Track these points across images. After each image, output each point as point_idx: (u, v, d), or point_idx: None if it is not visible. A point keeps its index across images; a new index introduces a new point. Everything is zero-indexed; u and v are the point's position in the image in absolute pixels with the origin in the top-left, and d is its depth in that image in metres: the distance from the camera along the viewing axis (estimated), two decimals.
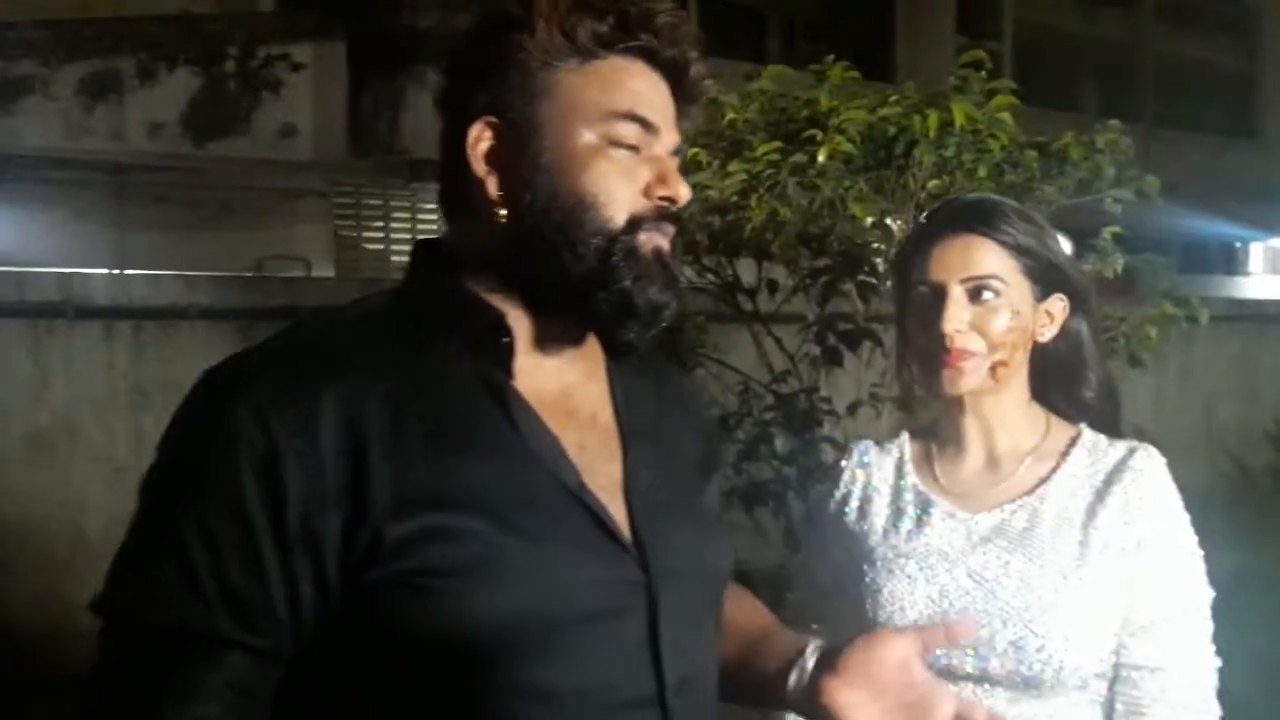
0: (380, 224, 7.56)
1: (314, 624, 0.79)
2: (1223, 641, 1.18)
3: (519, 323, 0.88)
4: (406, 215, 7.59)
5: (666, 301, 0.88)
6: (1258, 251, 12.49)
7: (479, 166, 0.86)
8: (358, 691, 0.80)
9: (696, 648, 0.90)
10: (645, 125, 0.87)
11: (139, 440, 4.00)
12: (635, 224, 0.86)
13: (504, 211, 0.86)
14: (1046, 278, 1.20)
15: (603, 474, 0.88)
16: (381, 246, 7.55)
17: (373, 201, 7.46)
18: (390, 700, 0.80)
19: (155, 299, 4.10)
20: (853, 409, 2.32)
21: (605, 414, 0.93)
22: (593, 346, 0.93)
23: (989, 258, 1.17)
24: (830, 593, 1.28)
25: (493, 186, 0.86)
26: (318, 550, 0.78)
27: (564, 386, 0.90)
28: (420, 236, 6.81)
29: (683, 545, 0.90)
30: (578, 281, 0.85)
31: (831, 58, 2.35)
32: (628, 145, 0.86)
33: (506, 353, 0.86)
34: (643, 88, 0.87)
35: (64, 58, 5.63)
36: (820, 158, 2.08)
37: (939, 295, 1.17)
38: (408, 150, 6.05)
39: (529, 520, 0.81)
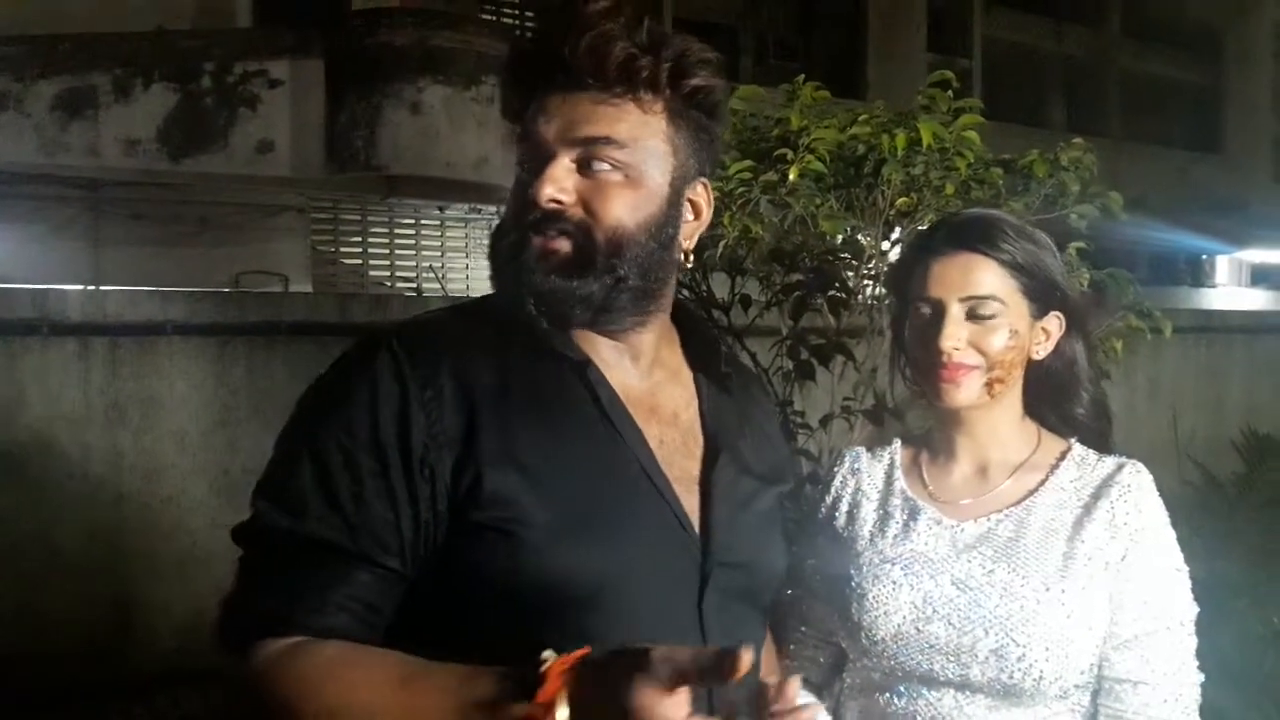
0: (358, 239, 7.55)
1: (425, 553, 0.90)
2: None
3: (597, 325, 1.00)
4: (384, 230, 7.59)
5: (559, 287, 0.97)
6: (1223, 264, 12.68)
7: None
8: (444, 619, 0.90)
9: (742, 633, 0.99)
10: (534, 142, 0.98)
11: (115, 457, 3.98)
12: (522, 229, 0.98)
13: None
14: (1044, 296, 1.21)
15: (679, 467, 0.97)
16: (359, 261, 7.55)
17: (350, 217, 7.46)
18: (466, 630, 0.90)
19: (131, 315, 4.09)
20: (825, 422, 2.34)
21: (688, 415, 1.03)
22: (676, 356, 1.06)
23: (988, 276, 1.18)
24: (819, 596, 1.29)
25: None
26: (434, 485, 0.89)
27: (650, 386, 1.01)
28: (398, 253, 6.80)
29: (743, 543, 0.99)
30: (504, 286, 1.00)
31: (802, 77, 2.38)
32: (525, 163, 0.99)
33: (571, 350, 0.98)
34: (539, 109, 0.97)
35: (39, 73, 5.61)
36: (791, 176, 2.11)
37: (938, 312, 1.19)
38: (385, 166, 6.05)
39: (605, 489, 0.92)
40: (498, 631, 0.88)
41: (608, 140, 0.96)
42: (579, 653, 0.75)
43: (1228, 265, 12.87)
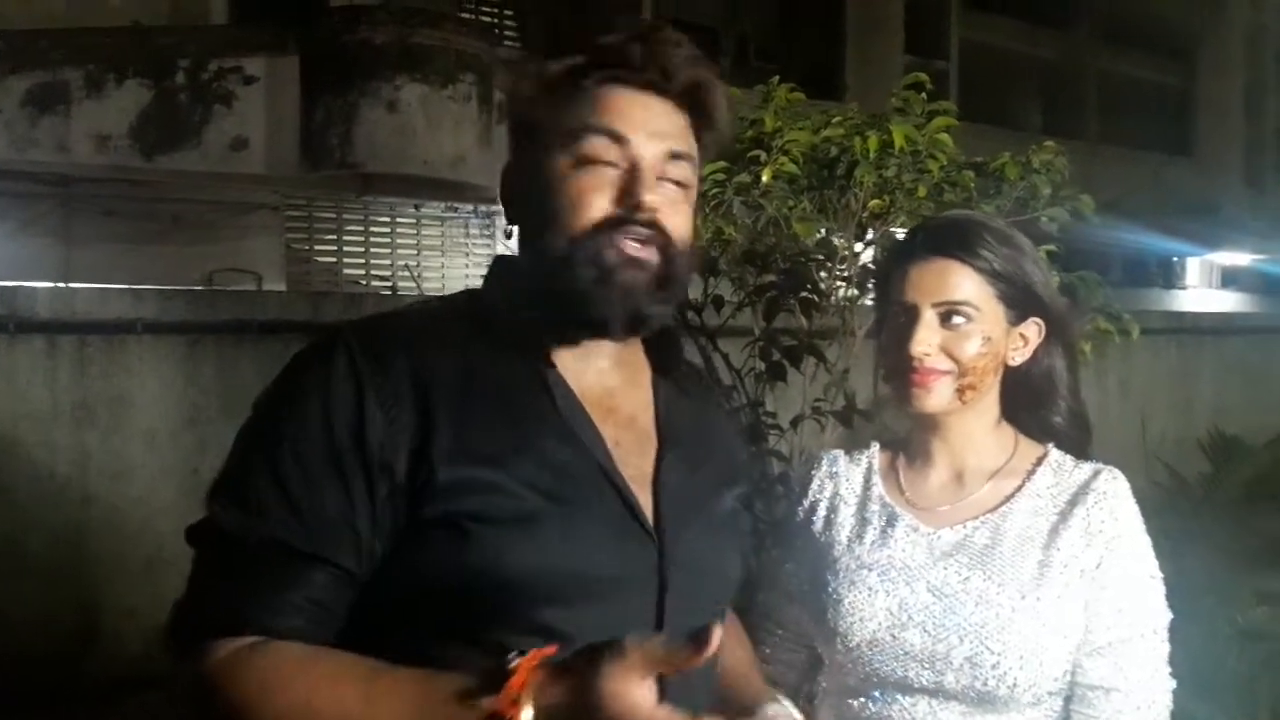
0: (333, 237, 7.51)
1: (380, 552, 0.89)
2: None
3: (561, 325, 0.98)
4: (359, 228, 7.55)
5: (639, 304, 0.94)
6: (1194, 266, 12.82)
7: (503, 200, 1.01)
8: (396, 618, 0.89)
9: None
10: (614, 138, 0.93)
11: (83, 457, 3.93)
12: (597, 232, 0.93)
13: (515, 235, 0.99)
14: (1022, 303, 1.20)
15: (634, 466, 0.96)
16: (334, 259, 7.50)
17: (325, 215, 7.41)
18: (421, 628, 0.89)
19: (100, 313, 4.03)
20: (795, 423, 2.34)
21: (645, 418, 1.02)
22: (638, 357, 1.04)
23: (963, 283, 1.18)
24: (796, 599, 1.29)
25: (509, 217, 1.01)
26: (391, 482, 0.88)
27: (607, 388, 0.99)
28: (374, 250, 6.75)
29: (698, 543, 0.98)
30: (555, 288, 0.94)
31: (777, 79, 2.39)
32: (602, 160, 0.93)
33: (543, 345, 0.96)
34: (615, 104, 0.95)
35: (9, 69, 5.53)
36: (764, 177, 2.11)
37: (911, 317, 1.18)
38: (361, 164, 6.01)
39: (562, 487, 0.91)
40: (451, 631, 0.88)
41: (683, 155, 0.98)
42: (545, 650, 0.76)
43: (1199, 267, 13.02)
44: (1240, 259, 12.81)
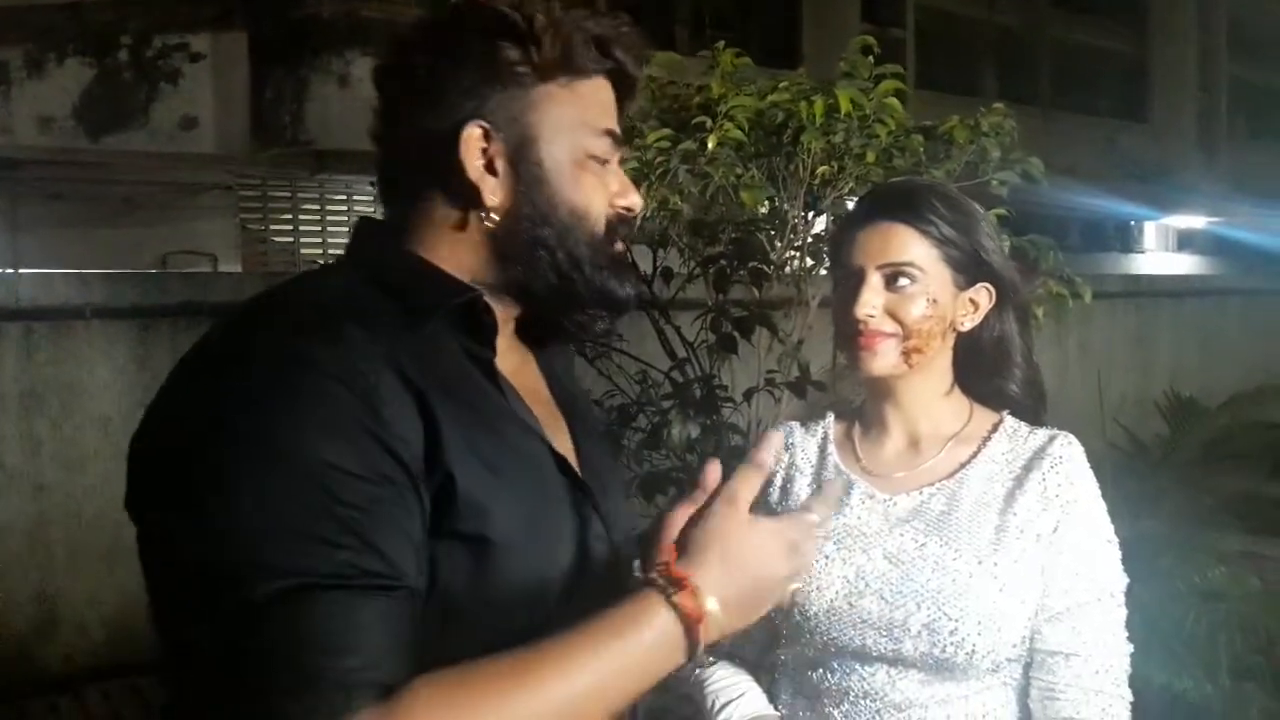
0: (288, 216, 7.39)
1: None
2: None
3: (535, 317, 0.96)
4: (315, 207, 7.44)
5: (632, 295, 0.96)
6: (1151, 230, 12.99)
7: (474, 171, 0.90)
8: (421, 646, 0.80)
9: None
10: (615, 140, 0.94)
11: (32, 444, 3.86)
12: (610, 230, 0.94)
13: (496, 217, 0.90)
14: (970, 267, 1.20)
15: (559, 444, 0.93)
16: (290, 239, 7.39)
17: (279, 194, 7.30)
18: (434, 641, 0.80)
19: (46, 299, 3.96)
20: (749, 395, 2.33)
21: (545, 390, 1.00)
22: (511, 325, 0.99)
23: (908, 245, 1.17)
24: None
25: (489, 192, 0.90)
26: (420, 492, 0.80)
27: (514, 365, 0.96)
28: (330, 229, 6.65)
29: (620, 510, 0.99)
30: (567, 280, 0.92)
31: (723, 44, 2.36)
32: (602, 159, 0.93)
33: (491, 331, 0.91)
34: (609, 103, 0.95)
35: None
36: (710, 144, 2.08)
37: (857, 279, 1.18)
38: (313, 141, 5.91)
39: (538, 482, 0.88)
40: (462, 639, 0.81)
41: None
42: (664, 552, 0.82)
43: (1155, 231, 13.19)
44: (1195, 222, 12.99)
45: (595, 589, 0.88)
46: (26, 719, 3.72)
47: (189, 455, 0.77)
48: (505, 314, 0.95)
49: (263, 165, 6.52)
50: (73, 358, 3.93)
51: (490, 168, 0.90)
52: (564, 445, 0.96)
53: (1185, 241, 13.66)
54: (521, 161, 0.90)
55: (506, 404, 0.89)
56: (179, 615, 0.76)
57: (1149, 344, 7.66)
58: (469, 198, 0.90)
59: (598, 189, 0.93)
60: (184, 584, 0.75)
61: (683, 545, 0.84)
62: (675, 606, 0.80)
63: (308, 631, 0.73)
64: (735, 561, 0.84)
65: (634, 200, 0.96)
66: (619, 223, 0.95)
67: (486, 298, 0.91)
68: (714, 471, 0.94)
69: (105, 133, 5.73)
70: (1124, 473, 4.00)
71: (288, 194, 7.33)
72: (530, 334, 1.01)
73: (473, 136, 0.89)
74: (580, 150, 0.92)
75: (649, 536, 0.97)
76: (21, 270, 5.61)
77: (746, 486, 0.88)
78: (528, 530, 0.84)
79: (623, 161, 0.98)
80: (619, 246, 0.95)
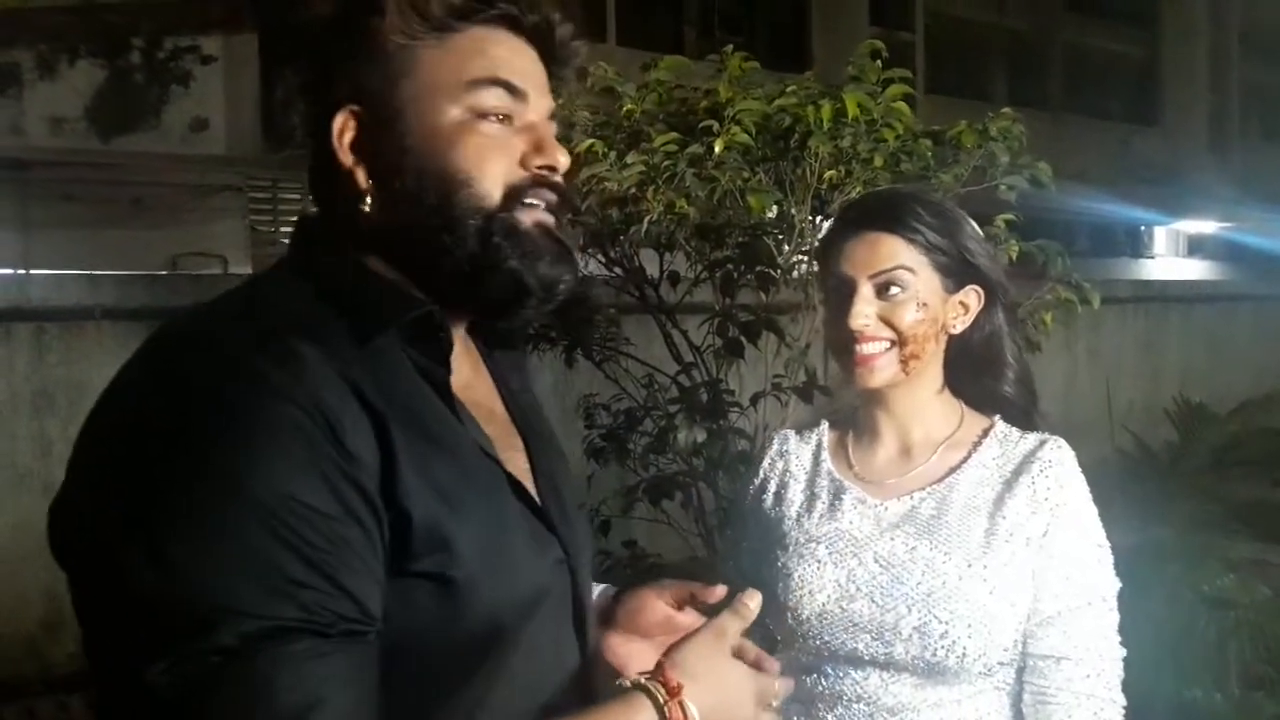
0: (298, 218, 7.41)
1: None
2: (1124, 609, 1.19)
3: (451, 311, 0.85)
4: None
5: (560, 274, 0.84)
6: (1161, 235, 12.94)
7: (346, 157, 0.82)
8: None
9: (594, 623, 0.96)
10: (511, 90, 0.83)
11: (43, 445, 3.88)
12: (513, 197, 0.82)
13: (371, 200, 0.82)
14: (958, 271, 1.21)
15: (514, 464, 0.87)
16: None
17: (290, 195, 7.33)
18: (397, 694, 0.76)
19: (57, 300, 3.98)
20: (755, 400, 2.33)
21: (499, 406, 0.92)
22: (469, 338, 0.91)
23: (896, 253, 1.18)
24: (748, 578, 1.29)
25: (361, 177, 0.82)
26: (384, 526, 0.75)
27: (465, 381, 0.88)
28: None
29: (578, 526, 0.93)
30: (463, 266, 0.81)
31: (731, 48, 2.36)
32: (497, 115, 0.82)
33: (444, 347, 0.83)
34: (505, 54, 0.84)
35: None
36: (717, 148, 2.09)
37: (848, 290, 1.19)
38: None
39: (496, 510, 0.82)
40: (422, 679, 0.79)
41: (556, 114, 0.89)
42: (663, 664, 0.83)
43: (1165, 236, 13.14)
44: (1206, 227, 12.94)
45: (553, 614, 0.87)
46: (36, 717, 3.74)
47: (144, 493, 0.70)
48: (451, 319, 0.86)
49: (273, 167, 6.56)
50: (83, 358, 3.96)
51: (359, 149, 0.82)
52: (519, 465, 0.89)
53: (1196, 246, 13.61)
54: (390, 136, 0.82)
55: (461, 427, 0.82)
56: (130, 659, 0.69)
57: (1158, 350, 7.63)
58: (352, 185, 0.82)
59: (489, 150, 0.82)
60: (137, 625, 0.69)
61: (671, 660, 0.85)
62: (664, 715, 0.81)
63: (275, 681, 0.68)
64: (715, 689, 0.85)
65: (552, 158, 0.84)
66: (533, 186, 0.83)
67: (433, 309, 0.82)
68: (718, 592, 0.97)
69: (116, 134, 5.77)
70: (1133, 479, 3.98)
71: (297, 196, 7.36)
72: (478, 337, 0.93)
73: (340, 121, 0.82)
74: (458, 109, 0.81)
75: (622, 611, 1.01)
76: (32, 271, 5.64)
77: (735, 624, 0.89)
78: (487, 563, 0.78)
79: (553, 117, 0.87)
80: (538, 217, 0.83)
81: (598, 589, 1.05)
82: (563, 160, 0.85)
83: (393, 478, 0.74)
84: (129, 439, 0.73)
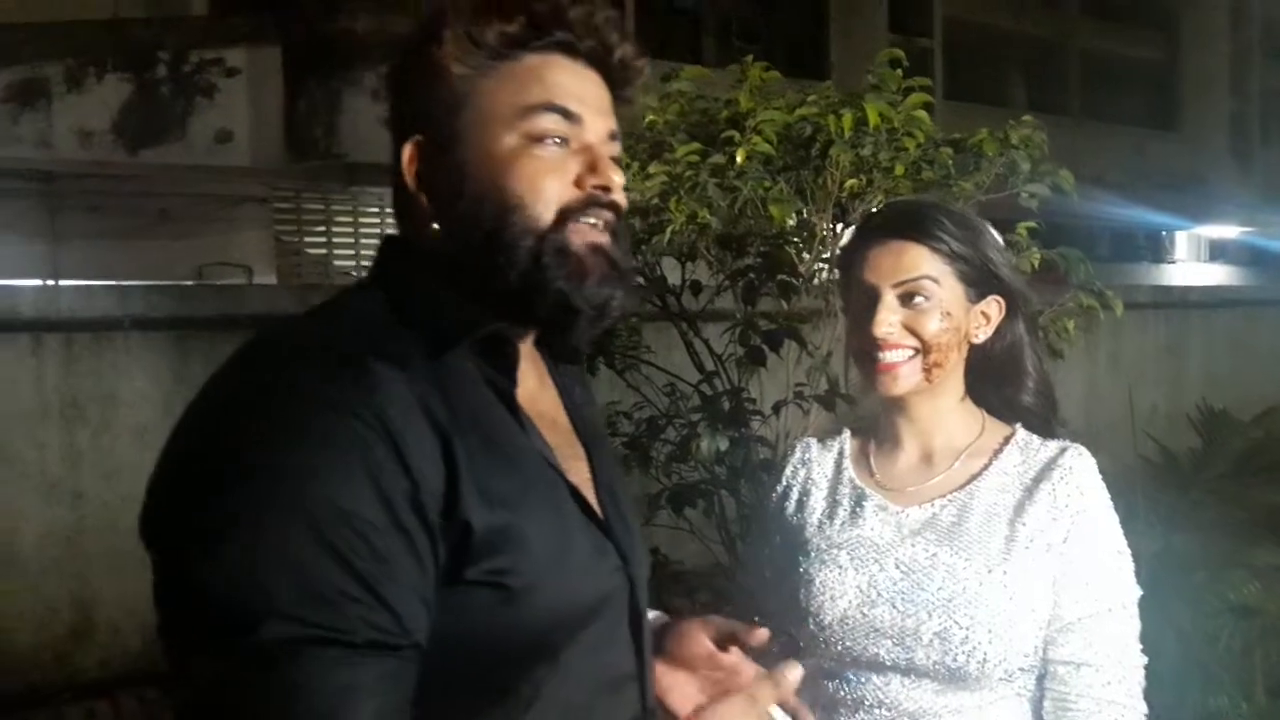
0: (322, 228, 7.48)
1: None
2: (1148, 618, 1.20)
3: (513, 327, 0.88)
4: (349, 219, 7.53)
5: (609, 295, 0.87)
6: (1182, 240, 12.83)
7: (412, 184, 0.87)
8: (423, 687, 0.78)
9: (650, 630, 0.97)
10: (567, 115, 0.86)
11: (73, 455, 3.93)
12: (564, 218, 0.85)
13: (436, 226, 0.86)
14: (981, 280, 1.22)
15: (575, 473, 0.90)
16: (324, 251, 7.48)
17: (313, 206, 7.39)
18: (446, 684, 0.79)
19: (85, 310, 4.03)
20: (777, 409, 2.35)
21: (562, 417, 0.96)
22: (536, 350, 0.94)
23: (921, 262, 1.20)
24: (771, 585, 1.30)
25: (425, 202, 0.87)
26: (440, 542, 0.77)
27: (530, 392, 0.91)
28: (363, 241, 6.71)
29: (636, 537, 0.95)
30: (515, 286, 0.84)
31: (751, 58, 2.37)
32: (553, 139, 0.85)
33: (512, 362, 0.87)
34: (561, 78, 0.87)
35: None
36: (739, 158, 2.10)
37: (872, 298, 1.21)
38: (346, 154, 5.99)
39: (557, 517, 0.85)
40: (477, 682, 0.82)
41: (618, 135, 0.91)
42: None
43: (1186, 241, 13.03)
44: (1228, 232, 12.82)
45: (610, 620, 0.88)
46: None
47: (210, 491, 0.75)
48: (517, 333, 0.89)
49: (297, 178, 6.62)
50: (111, 368, 4.00)
51: (423, 177, 0.87)
52: (580, 475, 0.92)
53: (1217, 251, 13.48)
54: (449, 163, 0.86)
55: (526, 438, 0.86)
56: (186, 648, 0.74)
57: (1180, 356, 7.57)
58: (420, 212, 0.87)
59: (543, 173, 0.85)
60: (189, 615, 0.74)
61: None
62: None
63: (307, 686, 0.71)
64: None
65: (606, 178, 0.86)
66: (588, 205, 0.86)
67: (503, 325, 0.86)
68: (760, 635, 0.99)
69: (143, 146, 5.84)
70: (1156, 485, 3.95)
71: (321, 206, 7.42)
72: (544, 350, 0.96)
73: (407, 151, 0.87)
74: (514, 136, 0.85)
75: (668, 640, 1.03)
76: (61, 282, 5.72)
77: (769, 694, 0.94)
78: (546, 571, 0.81)
79: (613, 137, 0.89)
80: (591, 237, 0.86)
81: (651, 613, 1.05)
82: (617, 180, 0.87)
83: (455, 491, 0.77)
84: (205, 436, 0.78)
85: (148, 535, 0.79)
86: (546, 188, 0.85)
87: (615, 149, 0.90)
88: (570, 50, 0.87)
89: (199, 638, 0.73)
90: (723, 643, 1.01)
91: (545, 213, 0.84)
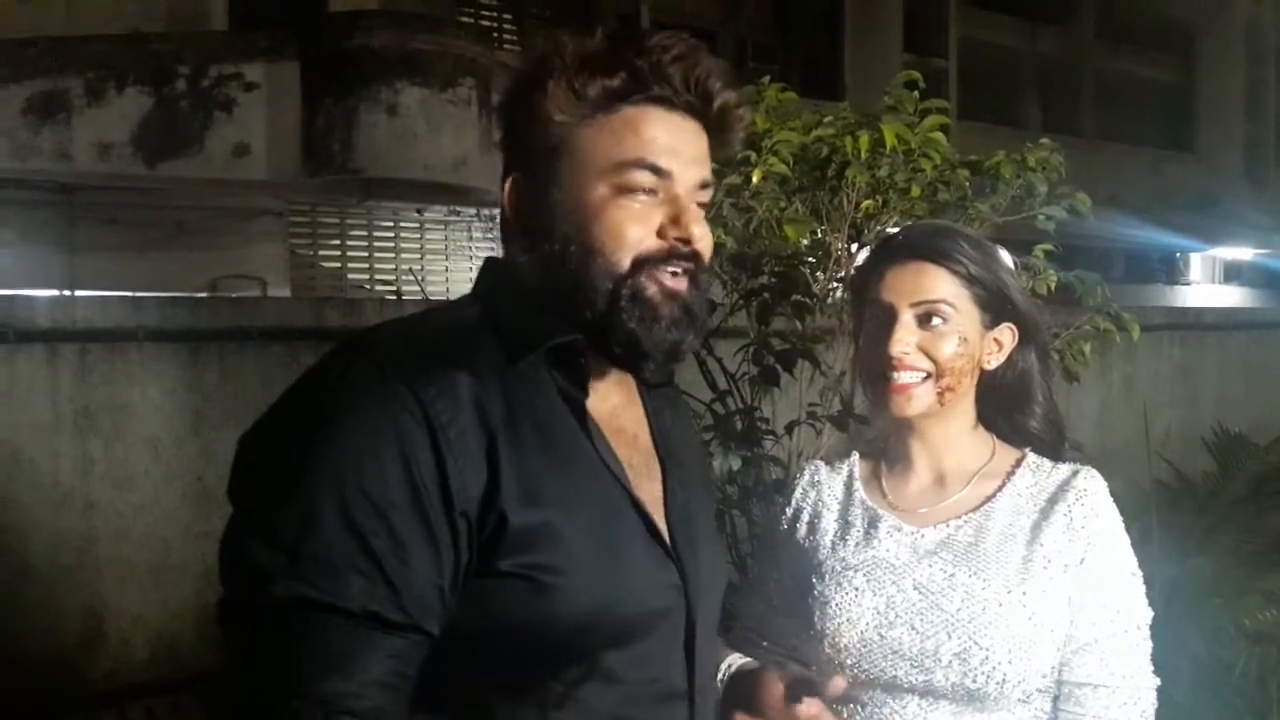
0: (336, 242, 7.52)
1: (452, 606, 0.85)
2: (1162, 643, 1.21)
3: (591, 354, 0.94)
4: (363, 233, 7.57)
5: (679, 339, 0.92)
6: (1197, 261, 12.77)
7: (510, 215, 0.95)
8: (455, 669, 0.85)
9: (712, 654, 1.01)
10: (656, 171, 0.91)
11: (85, 464, 3.94)
12: (642, 264, 0.90)
13: (529, 255, 0.93)
14: (996, 307, 1.23)
15: (646, 490, 0.94)
16: (338, 264, 7.52)
17: (328, 220, 7.43)
18: (478, 677, 0.85)
19: (101, 321, 4.04)
20: (790, 428, 2.34)
21: (644, 435, 1.01)
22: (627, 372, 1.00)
23: (939, 284, 1.21)
24: (781, 608, 1.30)
25: (520, 234, 0.94)
26: (468, 534, 0.83)
27: (612, 407, 0.97)
28: (377, 255, 6.76)
29: (706, 560, 0.99)
30: (594, 323, 0.91)
31: (768, 79, 2.38)
32: (643, 190, 0.90)
33: (584, 372, 0.92)
34: (657, 133, 0.91)
35: (9, 77, 5.55)
36: (755, 179, 2.11)
37: (889, 317, 1.21)
38: (362, 169, 6.02)
39: (610, 525, 0.89)
40: (511, 678, 0.85)
41: (709, 184, 0.97)
42: None
43: (1201, 263, 12.96)
44: (1242, 254, 12.75)
45: (664, 637, 0.91)
46: None
47: (264, 463, 0.85)
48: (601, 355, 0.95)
49: (312, 192, 6.65)
50: (125, 379, 4.01)
51: (520, 212, 0.94)
52: (651, 492, 0.95)
53: (1232, 273, 13.41)
54: (544, 205, 0.92)
55: (591, 446, 0.90)
56: (226, 595, 0.85)
57: (1195, 378, 7.52)
58: (518, 242, 0.95)
59: (628, 223, 0.90)
60: (226, 563, 0.84)
61: None
62: None
63: (308, 644, 0.79)
64: None
65: (686, 231, 0.91)
66: (668, 256, 0.91)
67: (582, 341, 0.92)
68: (837, 685, 1.01)
69: (161, 159, 5.88)
70: (1171, 509, 3.93)
71: (336, 220, 7.46)
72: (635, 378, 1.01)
73: (508, 186, 0.95)
74: (605, 187, 0.90)
75: (743, 688, 1.06)
76: (77, 292, 5.76)
77: None
78: (583, 572, 0.85)
79: (704, 186, 0.94)
80: (667, 283, 0.91)
81: (729, 659, 1.11)
82: (698, 231, 0.92)
83: (495, 484, 0.83)
84: (274, 414, 0.88)
85: (229, 495, 0.89)
86: (629, 236, 0.90)
87: (704, 196, 0.95)
88: (668, 103, 0.92)
89: (226, 583, 0.84)
90: (796, 692, 1.02)
91: (625, 259, 0.90)
